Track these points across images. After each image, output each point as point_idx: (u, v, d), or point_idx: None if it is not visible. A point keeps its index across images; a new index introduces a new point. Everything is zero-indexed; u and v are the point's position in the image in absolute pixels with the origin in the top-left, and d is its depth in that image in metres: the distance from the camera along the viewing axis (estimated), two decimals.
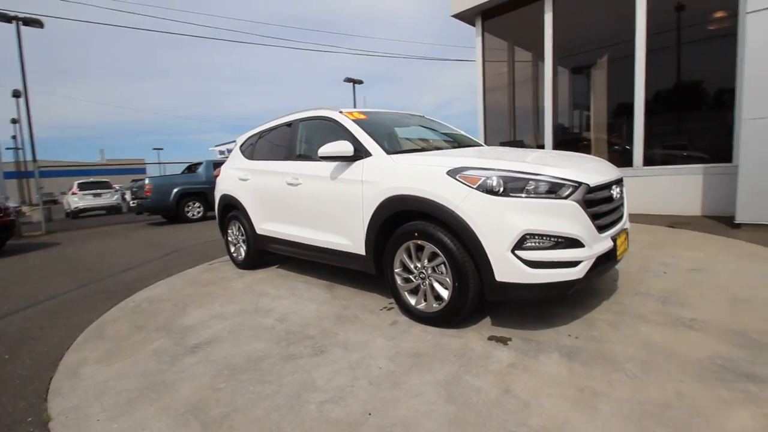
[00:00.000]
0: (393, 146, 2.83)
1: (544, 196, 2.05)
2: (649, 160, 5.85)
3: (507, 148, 3.54)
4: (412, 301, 2.48)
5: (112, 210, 17.28)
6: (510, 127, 8.16)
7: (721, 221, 4.80)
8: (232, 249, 4.39)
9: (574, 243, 2.04)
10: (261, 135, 4.05)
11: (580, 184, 2.08)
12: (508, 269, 2.02)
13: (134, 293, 3.70)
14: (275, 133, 3.81)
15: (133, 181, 11.41)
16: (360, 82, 27.53)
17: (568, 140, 7.21)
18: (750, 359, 1.80)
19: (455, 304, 2.23)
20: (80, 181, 16.53)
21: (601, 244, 2.16)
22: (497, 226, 2.03)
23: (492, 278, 2.06)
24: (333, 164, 2.91)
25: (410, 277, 2.48)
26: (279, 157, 3.62)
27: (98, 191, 16.40)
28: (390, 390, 1.77)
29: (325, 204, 3.01)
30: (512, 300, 2.49)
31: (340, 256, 2.98)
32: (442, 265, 2.28)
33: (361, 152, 2.74)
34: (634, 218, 4.90)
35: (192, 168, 11.64)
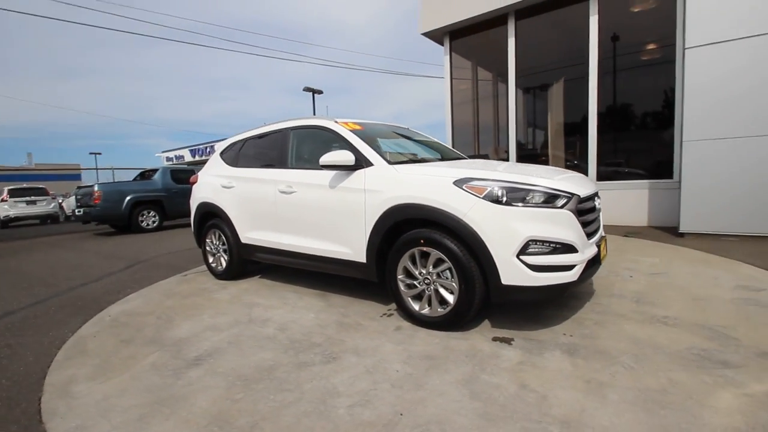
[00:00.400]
0: (392, 157, 2.93)
1: (542, 205, 2.24)
2: (601, 176, 6.41)
3: (492, 161, 3.77)
4: (416, 306, 2.57)
5: (47, 219, 15.79)
6: (474, 141, 8.59)
7: (667, 231, 5.37)
8: (211, 259, 4.24)
9: (569, 248, 2.24)
10: (246, 142, 3.98)
11: (573, 195, 2.30)
12: (513, 273, 2.18)
13: (106, 307, 3.46)
14: (263, 141, 3.77)
15: (79, 187, 10.52)
16: (320, 92, 27.41)
17: (529, 155, 7.71)
18: (720, 349, 2.07)
19: (461, 308, 2.35)
20: (11, 187, 14.96)
21: (590, 249, 2.39)
22: (503, 232, 2.18)
23: (498, 281, 2.21)
24: (332, 173, 2.95)
25: (414, 283, 2.56)
26: (268, 165, 3.59)
27: (32, 198, 14.94)
28: (414, 391, 1.84)
29: (322, 212, 3.03)
30: (515, 302, 2.65)
31: (337, 264, 3.01)
32: (448, 271, 2.39)
33: (361, 162, 2.81)
34: None
35: (146, 174, 11.00)
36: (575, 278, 2.25)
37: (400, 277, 2.62)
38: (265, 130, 3.76)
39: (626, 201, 6.05)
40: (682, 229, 4.89)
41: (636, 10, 6.17)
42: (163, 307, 3.32)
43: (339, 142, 3.03)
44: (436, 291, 2.47)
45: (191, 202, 4.42)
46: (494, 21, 6.98)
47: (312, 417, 1.69)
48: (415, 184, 2.50)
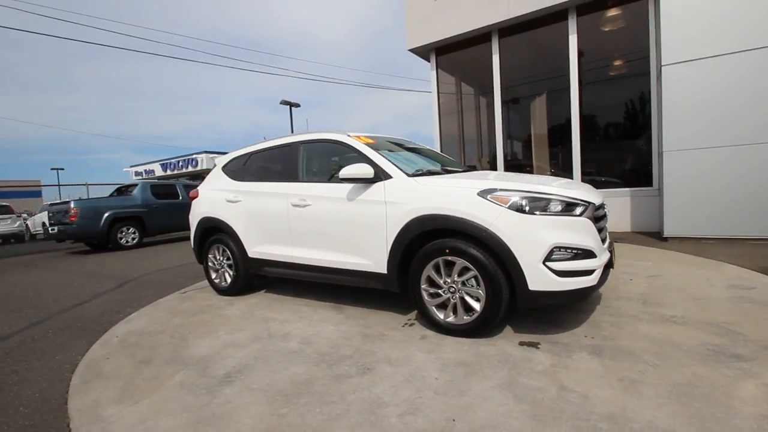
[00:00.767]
0: (408, 169, 3.00)
1: (562, 213, 2.36)
2: None
3: (503, 173, 3.90)
4: (441, 315, 2.62)
5: (10, 238, 14.89)
6: (460, 152, 8.82)
7: (650, 236, 5.68)
8: (214, 275, 4.15)
9: (589, 254, 2.37)
10: (251, 156, 3.97)
11: (589, 203, 2.44)
12: (540, 279, 2.28)
13: (110, 328, 3.33)
14: (271, 155, 3.77)
15: (52, 204, 10.04)
16: (297, 105, 27.36)
17: (515, 166, 7.99)
18: (731, 344, 2.23)
19: (488, 315, 2.42)
20: None
21: (605, 254, 2.53)
22: (530, 240, 2.29)
23: (525, 287, 2.30)
24: (349, 186, 2.99)
25: (438, 291, 2.62)
26: (277, 179, 3.59)
27: None
28: (459, 397, 1.88)
29: (339, 225, 3.06)
30: (541, 307, 2.75)
31: (355, 276, 3.03)
32: (473, 279, 2.47)
33: (379, 175, 2.87)
34: None
35: (123, 190, 10.64)
36: (595, 282, 2.37)
37: (423, 286, 2.67)
38: (273, 144, 3.77)
39: (610, 208, 6.32)
40: (666, 233, 5.19)
41: (609, 29, 6.58)
42: (173, 326, 3.23)
43: (354, 155, 3.08)
44: (462, 299, 2.53)
45: (191, 217, 4.32)
46: (479, 38, 7.27)
47: (365, 427, 1.70)
48: (439, 196, 2.58)
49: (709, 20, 4.75)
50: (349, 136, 3.24)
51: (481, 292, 2.43)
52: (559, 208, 2.36)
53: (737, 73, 4.64)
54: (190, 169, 31.55)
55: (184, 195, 10.69)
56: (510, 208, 2.34)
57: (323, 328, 2.93)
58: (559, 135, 7.14)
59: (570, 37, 6.39)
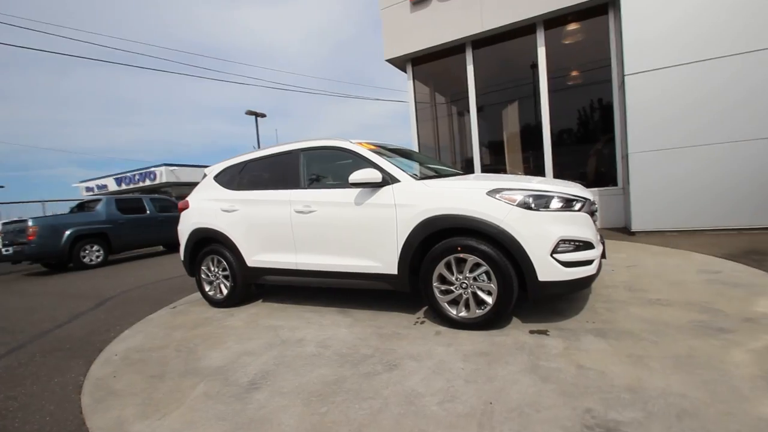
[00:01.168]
0: (414, 173, 3.13)
1: (564, 209, 2.57)
2: None
3: (501, 174, 4.11)
4: (453, 310, 2.75)
5: None
6: (436, 158, 9.10)
7: (619, 231, 6.13)
8: (208, 287, 4.06)
9: (588, 245, 2.58)
10: (246, 165, 3.94)
11: (586, 199, 2.67)
12: (549, 270, 2.46)
13: (104, 347, 3.18)
14: (269, 163, 3.77)
15: (6, 223, 9.28)
16: (263, 115, 26.96)
17: (491, 170, 8.34)
18: (713, 319, 2.50)
19: (501, 307, 2.57)
20: None
21: (600, 245, 2.76)
22: (538, 234, 2.46)
23: (535, 279, 2.47)
24: (356, 191, 3.07)
25: (451, 288, 2.74)
26: (278, 186, 3.59)
27: None
28: (489, 383, 2.00)
29: (346, 229, 3.12)
30: (549, 296, 2.92)
31: (364, 279, 3.09)
32: (484, 274, 2.62)
33: (387, 179, 2.98)
34: None
35: (84, 206, 10.06)
36: (594, 271, 2.59)
37: (435, 284, 2.78)
38: (271, 152, 3.77)
39: None
40: (634, 228, 5.63)
41: (574, 41, 7.09)
42: (175, 340, 3.13)
43: (360, 161, 3.17)
44: (474, 294, 2.67)
45: (181, 229, 4.21)
46: (454, 49, 7.59)
47: (410, 417, 1.77)
48: (450, 197, 2.71)
49: (666, 34, 5.27)
50: (351, 142, 3.33)
51: (493, 286, 2.58)
52: (561, 204, 2.57)
53: (692, 81, 5.17)
54: (147, 183, 30.03)
55: (152, 209, 10.25)
56: (518, 205, 2.52)
57: (336, 331, 2.97)
58: (530, 140, 7.55)
59: (539, 48, 6.82)
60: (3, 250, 8.53)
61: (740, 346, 2.13)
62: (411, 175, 2.99)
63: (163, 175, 29.25)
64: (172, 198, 12.03)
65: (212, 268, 4.00)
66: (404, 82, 8.40)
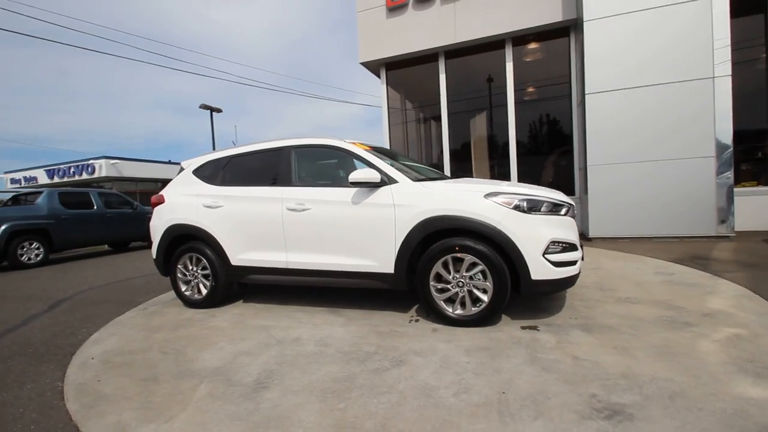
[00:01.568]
0: (410, 174, 3.21)
1: (553, 213, 2.77)
2: None
3: (492, 180, 4.28)
4: (449, 308, 2.85)
5: None
6: None
7: None
8: (184, 287, 3.87)
9: (574, 247, 2.81)
10: (231, 159, 3.82)
11: (571, 204, 2.90)
12: (541, 269, 2.64)
13: (76, 351, 2.94)
14: (257, 159, 3.68)
15: None
16: (219, 110, 25.85)
17: (459, 177, 8.65)
18: (677, 315, 2.82)
19: (496, 304, 2.72)
20: None
21: (581, 248, 3.00)
22: (531, 236, 2.64)
23: (529, 277, 2.64)
24: (353, 190, 3.10)
25: (447, 287, 2.85)
26: (268, 183, 3.52)
27: None
28: (495, 374, 2.11)
29: (342, 228, 3.13)
30: (540, 294, 3.08)
31: (360, 278, 3.12)
32: (480, 273, 2.75)
33: (385, 179, 3.04)
34: None
35: (22, 199, 9.12)
36: (578, 271, 2.82)
37: (432, 283, 2.88)
38: (259, 148, 3.69)
39: None
40: (591, 234, 6.12)
41: (538, 58, 7.58)
42: (157, 342, 2.97)
43: (355, 161, 3.20)
44: (470, 292, 2.79)
45: (154, 225, 3.98)
46: (428, 57, 7.83)
47: (430, 409, 1.84)
48: (449, 198, 2.83)
49: (623, 59, 5.81)
50: (346, 142, 3.35)
51: (489, 285, 2.72)
52: (550, 208, 2.77)
53: (643, 103, 5.74)
54: (85, 176, 27.67)
55: (99, 205, 9.49)
56: (513, 208, 2.68)
57: (331, 330, 2.96)
58: (496, 149, 7.95)
59: (507, 63, 7.23)
60: None
61: (706, 337, 2.42)
62: (408, 177, 3.07)
63: (102, 169, 27.10)
64: (122, 194, 11.19)
65: (190, 267, 3.82)
66: (363, 85, 8.57)
